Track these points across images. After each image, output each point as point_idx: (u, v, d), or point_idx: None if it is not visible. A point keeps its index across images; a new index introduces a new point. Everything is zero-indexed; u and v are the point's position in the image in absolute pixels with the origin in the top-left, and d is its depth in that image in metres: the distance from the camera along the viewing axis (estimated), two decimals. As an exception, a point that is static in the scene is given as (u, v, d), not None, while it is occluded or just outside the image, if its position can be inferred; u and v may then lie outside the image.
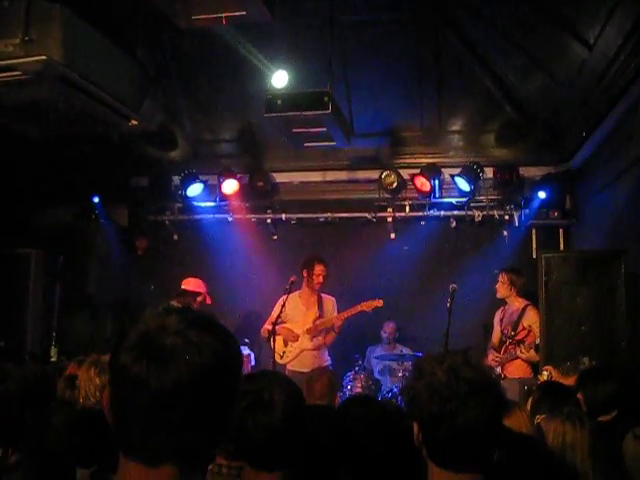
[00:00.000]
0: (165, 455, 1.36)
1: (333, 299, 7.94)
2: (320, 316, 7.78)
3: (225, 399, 1.42)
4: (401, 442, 2.84)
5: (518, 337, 7.36)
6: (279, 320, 7.45)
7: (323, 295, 7.91)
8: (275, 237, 9.72)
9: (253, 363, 8.66)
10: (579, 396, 4.46)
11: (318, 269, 7.71)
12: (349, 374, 8.10)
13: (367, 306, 7.70)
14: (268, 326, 7.54)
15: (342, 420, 2.98)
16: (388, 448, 2.86)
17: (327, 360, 7.84)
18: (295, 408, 2.29)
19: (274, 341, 7.24)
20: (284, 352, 7.71)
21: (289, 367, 7.60)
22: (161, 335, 1.36)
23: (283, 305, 7.44)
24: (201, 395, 1.35)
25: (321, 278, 7.71)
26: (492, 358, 7.64)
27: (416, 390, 2.03)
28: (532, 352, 7.11)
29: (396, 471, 2.84)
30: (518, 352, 7.19)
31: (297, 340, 7.67)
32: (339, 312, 7.83)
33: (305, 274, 7.77)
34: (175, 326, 1.38)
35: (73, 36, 5.77)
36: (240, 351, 1.50)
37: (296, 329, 7.71)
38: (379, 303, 7.70)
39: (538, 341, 6.92)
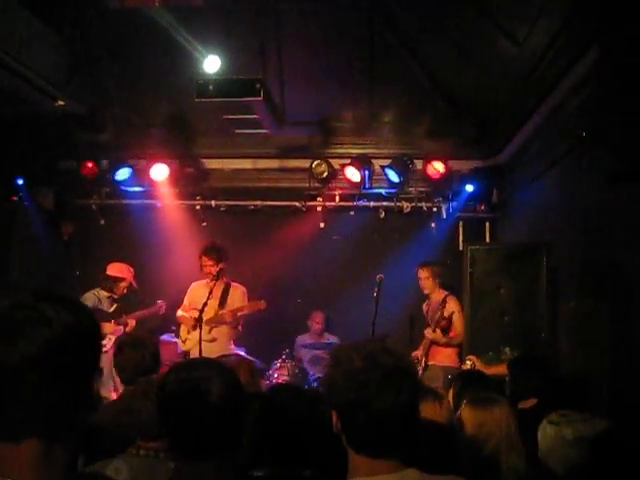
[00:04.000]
0: (25, 430, 1.37)
1: (243, 289, 7.75)
2: (221, 306, 7.57)
3: (79, 371, 1.43)
4: (322, 429, 2.86)
5: (440, 326, 7.52)
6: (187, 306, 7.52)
7: (233, 284, 7.73)
8: (204, 224, 9.59)
9: (180, 351, 8.55)
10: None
11: (203, 260, 7.54)
12: (275, 362, 8.11)
13: (249, 307, 7.59)
14: (178, 313, 7.67)
15: (269, 408, 2.99)
16: (310, 435, 2.88)
17: (227, 351, 7.47)
18: (232, 400, 2.28)
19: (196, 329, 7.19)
20: (186, 339, 7.60)
21: (191, 355, 7.46)
22: (12, 311, 1.38)
23: (190, 292, 7.54)
24: (52, 367, 1.36)
25: (207, 269, 7.47)
26: (414, 355, 7.80)
27: (333, 378, 2.05)
28: (438, 333, 7.31)
29: (320, 457, 2.86)
30: (426, 333, 7.36)
31: (194, 329, 7.41)
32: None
33: (199, 264, 7.63)
34: (26, 301, 1.39)
35: (-2, 12, 5.60)
36: (95, 325, 1.50)
37: (194, 317, 7.43)
38: (262, 305, 7.54)
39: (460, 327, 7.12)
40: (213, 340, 7.41)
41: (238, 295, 7.65)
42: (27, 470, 1.37)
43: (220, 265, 7.40)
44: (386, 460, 2.00)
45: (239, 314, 7.52)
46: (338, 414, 2.04)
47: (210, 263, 7.42)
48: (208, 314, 7.32)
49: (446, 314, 7.48)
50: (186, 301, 7.62)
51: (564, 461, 3.04)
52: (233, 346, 7.71)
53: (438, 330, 7.30)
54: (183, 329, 7.65)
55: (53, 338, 1.36)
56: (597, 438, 2.96)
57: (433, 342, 7.54)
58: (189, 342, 7.55)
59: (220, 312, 7.49)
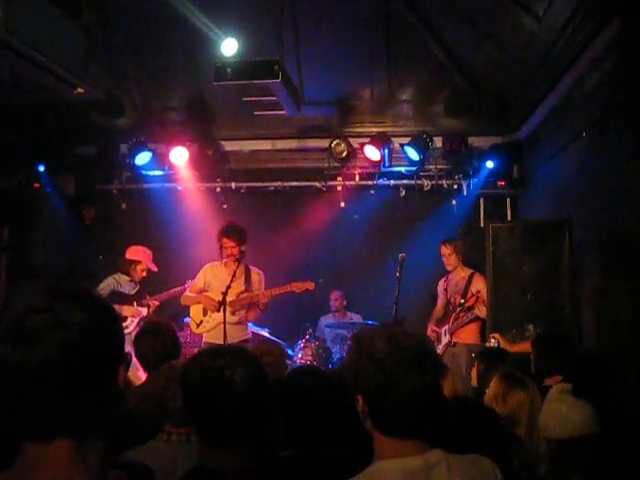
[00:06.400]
0: (55, 430, 1.40)
1: (261, 273, 7.43)
2: (246, 290, 7.23)
3: (101, 368, 1.45)
4: (343, 409, 2.90)
5: (468, 304, 7.55)
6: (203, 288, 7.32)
7: (251, 267, 7.44)
8: (225, 206, 9.65)
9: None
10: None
11: (224, 242, 7.15)
12: (299, 342, 8.17)
13: (297, 287, 7.26)
14: (186, 293, 7.48)
15: (289, 390, 3.03)
16: (331, 416, 2.92)
17: (247, 334, 7.38)
18: (255, 387, 2.30)
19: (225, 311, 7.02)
20: (201, 321, 7.32)
21: (205, 339, 7.30)
22: (26, 315, 1.40)
23: (205, 273, 7.32)
24: (73, 368, 1.38)
25: (230, 251, 7.07)
26: (431, 330, 7.82)
27: (359, 363, 2.07)
28: (482, 309, 7.25)
29: (343, 437, 2.89)
30: (476, 312, 7.30)
31: (218, 311, 6.94)
32: (271, 287, 7.36)
33: (218, 246, 7.26)
34: (41, 304, 1.41)
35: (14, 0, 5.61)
36: (114, 319, 1.53)
37: (218, 299, 6.94)
38: (310, 286, 7.30)
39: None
40: (237, 323, 7.19)
41: (258, 279, 7.38)
42: (60, 470, 1.40)
43: (242, 247, 7.13)
44: (413, 441, 2.03)
45: (275, 294, 7.27)
46: (365, 398, 2.06)
47: (232, 244, 7.08)
48: (230, 296, 6.98)
49: (474, 290, 7.50)
50: (200, 282, 7.33)
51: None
52: (248, 329, 7.51)
53: (482, 306, 7.21)
54: (196, 311, 7.36)
55: (70, 340, 1.38)
56: None
57: (468, 322, 7.52)
58: (206, 324, 7.29)
59: (248, 294, 7.22)
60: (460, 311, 7.62)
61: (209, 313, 7.28)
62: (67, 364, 1.38)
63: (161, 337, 4.58)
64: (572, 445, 3.16)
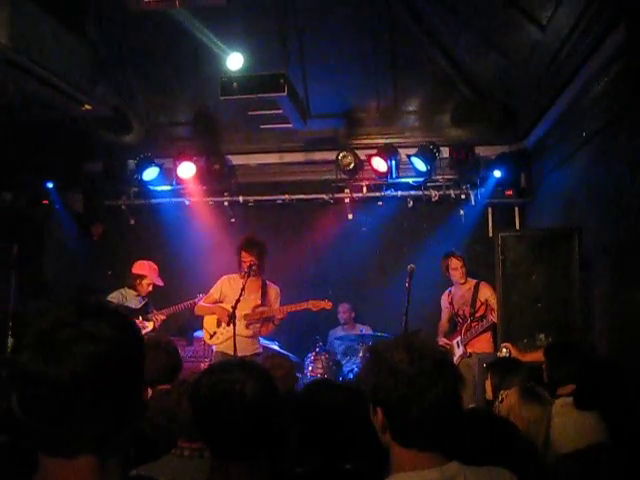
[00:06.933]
0: (79, 446, 1.40)
1: (277, 289, 7.47)
2: (262, 304, 7.31)
3: (127, 383, 1.46)
4: (362, 422, 2.87)
5: (478, 313, 7.55)
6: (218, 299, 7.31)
7: (268, 282, 7.47)
8: (233, 220, 9.67)
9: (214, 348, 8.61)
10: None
11: (243, 256, 7.16)
12: (310, 355, 8.14)
13: (314, 305, 7.28)
14: (204, 303, 7.43)
15: (307, 404, 3.00)
16: (349, 429, 2.88)
17: (258, 348, 7.37)
18: (266, 402, 2.28)
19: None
20: (215, 332, 7.32)
21: (216, 349, 7.31)
22: (56, 329, 1.40)
23: (223, 284, 7.31)
24: (101, 382, 1.39)
25: (248, 264, 7.06)
26: (442, 342, 7.79)
27: (380, 375, 2.03)
28: (494, 315, 7.24)
29: (361, 450, 2.86)
30: (491, 318, 7.30)
31: (228, 325, 6.92)
32: (283, 302, 7.40)
33: (237, 259, 7.30)
34: (69, 318, 1.42)
35: (21, 18, 5.65)
36: (138, 335, 1.54)
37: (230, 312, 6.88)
38: (327, 305, 7.31)
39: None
40: (250, 337, 7.20)
41: (274, 295, 7.40)
42: None
43: (261, 260, 7.12)
44: (431, 453, 1.99)
45: (291, 311, 7.29)
46: (385, 410, 2.02)
47: (251, 258, 7.08)
48: (245, 309, 7.08)
49: (482, 299, 7.49)
50: (216, 293, 7.34)
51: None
52: (260, 344, 7.49)
53: (494, 313, 7.20)
54: (210, 322, 7.37)
55: (99, 354, 1.39)
56: None
57: (482, 331, 7.52)
58: (220, 336, 7.28)
59: (264, 308, 7.25)
60: (472, 321, 7.62)
61: (223, 325, 7.23)
62: (95, 377, 1.38)
63: (164, 348, 4.57)
64: (579, 457, 3.14)
